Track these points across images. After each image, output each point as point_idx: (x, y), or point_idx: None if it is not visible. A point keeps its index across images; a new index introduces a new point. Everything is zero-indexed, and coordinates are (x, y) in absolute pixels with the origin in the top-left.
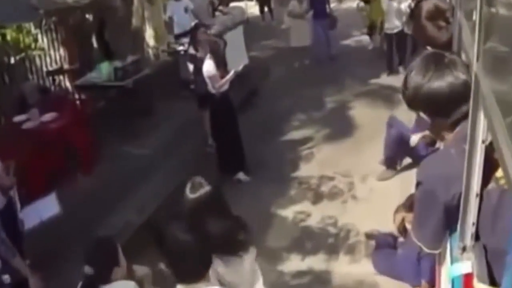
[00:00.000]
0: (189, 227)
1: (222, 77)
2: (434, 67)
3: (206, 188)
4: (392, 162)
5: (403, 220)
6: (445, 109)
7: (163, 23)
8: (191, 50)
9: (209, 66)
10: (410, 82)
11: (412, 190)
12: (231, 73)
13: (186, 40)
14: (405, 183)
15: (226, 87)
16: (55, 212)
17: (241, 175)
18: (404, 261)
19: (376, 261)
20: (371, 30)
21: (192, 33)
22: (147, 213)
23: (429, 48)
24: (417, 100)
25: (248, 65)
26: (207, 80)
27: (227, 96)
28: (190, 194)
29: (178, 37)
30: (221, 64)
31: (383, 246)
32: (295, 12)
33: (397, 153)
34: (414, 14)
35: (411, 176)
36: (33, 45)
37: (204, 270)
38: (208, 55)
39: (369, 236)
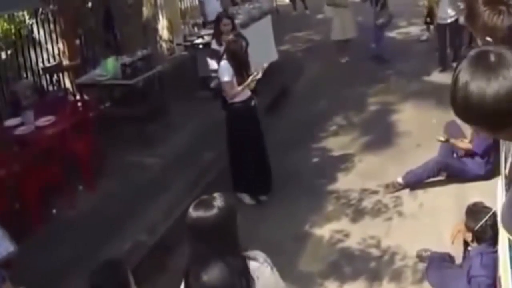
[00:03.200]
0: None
1: (241, 84)
2: (481, 69)
3: (214, 210)
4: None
5: (458, 232)
6: (496, 122)
7: (178, 12)
8: (214, 45)
9: (224, 69)
10: (459, 90)
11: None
12: (252, 77)
13: (204, 32)
14: (460, 197)
15: (244, 97)
16: (10, 250)
17: (247, 199)
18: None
19: (431, 277)
20: (429, 19)
21: (215, 24)
22: (158, 234)
23: (488, 39)
24: (467, 111)
25: (278, 61)
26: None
27: (247, 107)
28: (191, 213)
29: (209, 24)
30: (242, 68)
31: (438, 262)
32: (337, 0)
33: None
34: None
35: (467, 190)
36: (27, 38)
37: None
38: (225, 55)
39: (420, 257)
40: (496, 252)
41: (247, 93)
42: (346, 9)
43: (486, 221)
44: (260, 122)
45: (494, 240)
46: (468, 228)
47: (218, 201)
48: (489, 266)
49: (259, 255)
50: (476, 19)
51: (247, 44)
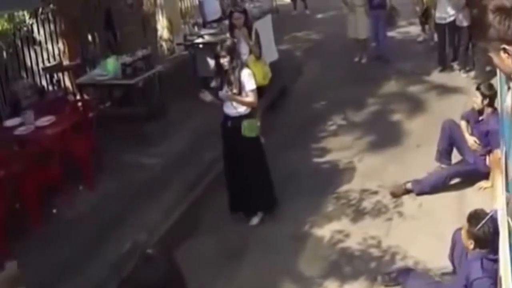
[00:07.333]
0: None
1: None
2: None
3: (161, 267)
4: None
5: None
6: None
7: (178, 12)
8: None
9: None
10: None
11: (468, 207)
12: (202, 94)
13: (204, 31)
14: (460, 198)
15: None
16: None
17: (254, 220)
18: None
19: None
20: (424, 19)
21: (229, 18)
22: (158, 234)
23: (505, 47)
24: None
25: (278, 61)
26: None
27: (221, 124)
28: (142, 275)
29: (209, 24)
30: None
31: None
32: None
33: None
34: None
35: (466, 191)
36: (27, 38)
37: None
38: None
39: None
40: (496, 260)
41: (226, 111)
42: (360, 8)
43: (489, 227)
44: (233, 146)
45: (494, 248)
46: (470, 235)
47: (161, 256)
48: (490, 271)
49: None
50: (487, 30)
51: (259, 43)
